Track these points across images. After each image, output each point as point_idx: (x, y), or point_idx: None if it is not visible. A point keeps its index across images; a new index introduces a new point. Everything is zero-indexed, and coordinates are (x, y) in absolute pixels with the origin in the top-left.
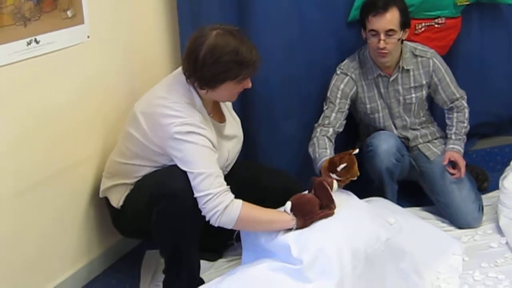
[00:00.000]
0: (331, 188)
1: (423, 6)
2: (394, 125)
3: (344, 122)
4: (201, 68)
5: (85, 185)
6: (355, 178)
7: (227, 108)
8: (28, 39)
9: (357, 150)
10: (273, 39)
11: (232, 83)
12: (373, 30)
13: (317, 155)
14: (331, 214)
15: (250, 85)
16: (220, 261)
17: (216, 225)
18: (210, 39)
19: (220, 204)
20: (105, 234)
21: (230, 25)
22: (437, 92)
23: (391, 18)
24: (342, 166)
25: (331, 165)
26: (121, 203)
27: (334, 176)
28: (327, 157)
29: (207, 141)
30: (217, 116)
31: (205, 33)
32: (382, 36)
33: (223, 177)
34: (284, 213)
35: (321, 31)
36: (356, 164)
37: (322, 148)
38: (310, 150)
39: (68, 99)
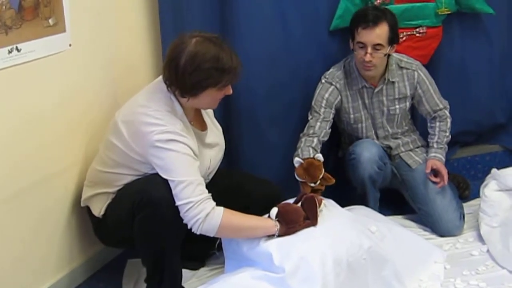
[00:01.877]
0: (319, 206)
1: (405, 15)
2: (376, 136)
3: (329, 131)
4: (182, 76)
5: (67, 194)
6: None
7: (209, 116)
8: (9, 47)
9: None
10: (256, 48)
11: (213, 90)
12: (361, 42)
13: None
14: (314, 225)
15: (231, 91)
16: (202, 269)
17: (198, 233)
18: (190, 47)
19: (201, 212)
20: (87, 243)
21: (209, 32)
22: (421, 103)
23: (380, 32)
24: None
25: (309, 170)
26: (102, 212)
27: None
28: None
29: (188, 149)
30: (199, 124)
31: (185, 40)
32: (369, 50)
33: (204, 185)
34: (267, 219)
35: (303, 40)
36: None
37: (306, 156)
38: (295, 160)
39: (50, 107)
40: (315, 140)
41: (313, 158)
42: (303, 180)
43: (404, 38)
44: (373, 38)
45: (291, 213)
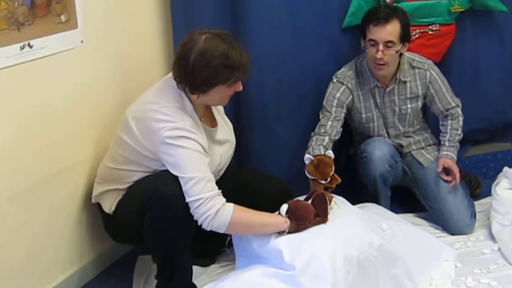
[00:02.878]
0: (330, 203)
1: (417, 13)
2: (388, 134)
3: (341, 130)
4: (192, 73)
5: (78, 190)
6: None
7: (219, 113)
8: (21, 44)
9: (331, 153)
10: (267, 44)
11: (223, 87)
12: (372, 40)
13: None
14: (324, 222)
15: (241, 88)
16: (213, 266)
17: (208, 229)
18: (200, 44)
19: (211, 208)
20: (98, 240)
21: (219, 28)
22: (434, 102)
23: (391, 29)
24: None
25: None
26: (113, 209)
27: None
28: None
29: (198, 145)
30: (209, 120)
31: (194, 37)
32: (381, 47)
33: (214, 181)
34: (277, 216)
35: (315, 37)
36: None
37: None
38: (305, 157)
39: (61, 104)
40: (326, 138)
41: (324, 155)
42: (314, 178)
43: (416, 36)
44: (384, 35)
45: (301, 209)
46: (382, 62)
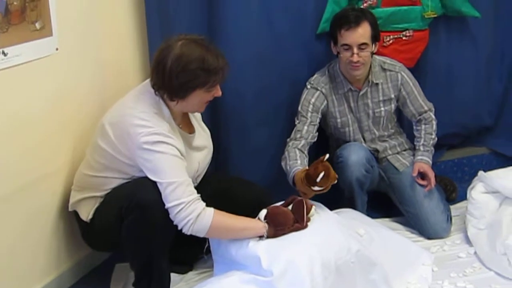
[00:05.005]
0: (308, 212)
1: (391, 18)
2: (364, 139)
3: (316, 134)
4: (169, 78)
5: (54, 198)
6: (336, 182)
7: (196, 120)
8: None
9: (327, 156)
10: (244, 51)
11: (201, 91)
12: (345, 44)
13: (288, 168)
14: (303, 228)
15: (220, 93)
16: (191, 273)
17: (188, 234)
18: (176, 49)
19: (192, 212)
20: (75, 247)
21: (195, 34)
22: (406, 105)
23: (363, 32)
24: (320, 176)
25: (309, 179)
26: (90, 216)
27: (316, 188)
28: (298, 168)
29: (175, 150)
30: (186, 127)
31: (171, 44)
32: (355, 50)
33: (193, 185)
34: (256, 220)
35: (291, 43)
36: (331, 168)
37: (293, 159)
38: (283, 164)
39: (36, 111)
40: (303, 141)
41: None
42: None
43: (390, 42)
44: (357, 38)
45: (280, 216)
46: (358, 64)
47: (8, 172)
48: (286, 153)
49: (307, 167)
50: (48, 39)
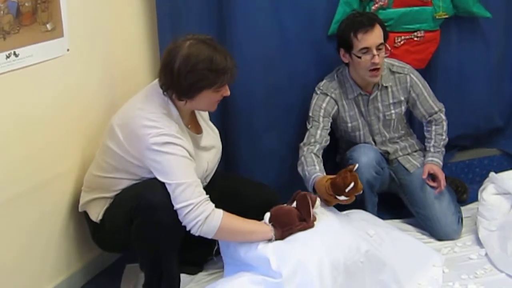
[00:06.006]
0: (313, 205)
1: (402, 19)
2: (374, 142)
3: (329, 138)
4: (177, 79)
5: (64, 199)
6: (362, 192)
7: (204, 120)
8: (7, 52)
9: (357, 166)
10: (254, 51)
11: (209, 92)
12: (365, 48)
13: (306, 173)
14: (310, 227)
15: (228, 93)
16: (201, 274)
17: (197, 235)
18: (184, 50)
19: (201, 213)
20: (85, 248)
21: (203, 34)
22: (416, 107)
23: (378, 33)
24: (350, 186)
25: (336, 188)
26: (100, 217)
27: (342, 198)
28: (318, 174)
29: (184, 151)
30: (194, 127)
31: (179, 44)
32: (375, 51)
33: (202, 186)
34: (264, 224)
35: (301, 44)
36: (358, 179)
37: (310, 165)
38: (299, 169)
39: (47, 112)
40: (317, 146)
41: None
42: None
43: (402, 42)
44: (375, 39)
45: (284, 216)
46: (378, 66)
47: (19, 173)
48: (302, 158)
49: (329, 175)
50: (59, 40)
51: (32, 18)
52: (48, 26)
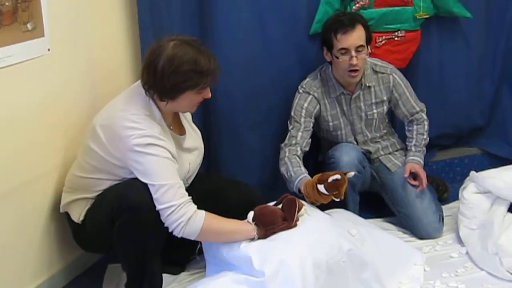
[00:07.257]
0: (299, 210)
1: (383, 19)
2: (356, 141)
3: (310, 140)
4: (161, 79)
5: (46, 200)
6: (338, 200)
7: (187, 121)
8: None
9: (352, 173)
10: (236, 52)
11: (192, 93)
12: (343, 48)
13: (292, 174)
14: (293, 227)
15: (209, 95)
16: (183, 274)
17: (179, 236)
18: (168, 50)
19: (183, 215)
20: (66, 249)
21: (187, 35)
22: (398, 106)
23: (359, 34)
24: (334, 177)
25: (322, 177)
26: (82, 218)
27: (321, 187)
28: (305, 176)
29: (167, 152)
30: (177, 128)
31: (163, 44)
32: (354, 53)
33: (184, 187)
34: (246, 223)
35: (283, 44)
36: (345, 187)
37: (296, 166)
38: (283, 169)
39: (28, 112)
40: (299, 149)
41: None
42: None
43: (383, 42)
44: (355, 40)
45: (268, 215)
46: (356, 68)
47: (0, 173)
48: (286, 159)
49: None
50: (39, 39)
51: (13, 18)
52: (29, 26)
